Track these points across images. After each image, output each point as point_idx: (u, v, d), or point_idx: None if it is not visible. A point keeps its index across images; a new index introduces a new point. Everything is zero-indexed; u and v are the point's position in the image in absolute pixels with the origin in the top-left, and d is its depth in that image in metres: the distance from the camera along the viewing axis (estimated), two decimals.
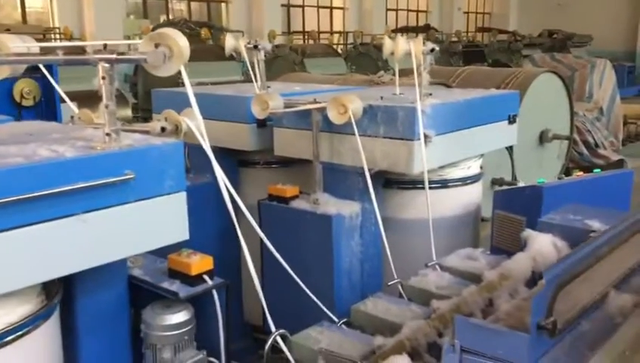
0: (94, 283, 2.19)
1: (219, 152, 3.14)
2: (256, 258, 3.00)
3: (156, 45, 2.08)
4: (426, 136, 3.22)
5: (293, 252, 2.95)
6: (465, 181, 3.77)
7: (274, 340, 2.55)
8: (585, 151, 8.99)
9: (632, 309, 2.15)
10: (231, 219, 2.49)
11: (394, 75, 3.94)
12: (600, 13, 26.52)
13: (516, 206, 3.37)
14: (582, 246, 1.99)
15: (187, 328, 2.29)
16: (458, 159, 3.67)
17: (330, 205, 3.36)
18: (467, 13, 29.87)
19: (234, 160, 4.01)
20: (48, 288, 2.06)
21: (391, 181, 3.61)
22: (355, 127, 3.24)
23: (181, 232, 2.20)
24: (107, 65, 2.00)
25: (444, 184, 3.67)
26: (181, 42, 2.08)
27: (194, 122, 2.40)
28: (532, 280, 2.51)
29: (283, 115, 3.57)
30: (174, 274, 2.40)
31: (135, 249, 2.16)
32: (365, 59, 14.61)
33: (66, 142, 2.06)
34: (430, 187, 3.40)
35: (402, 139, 3.23)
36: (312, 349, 2.50)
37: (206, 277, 2.37)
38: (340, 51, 17.08)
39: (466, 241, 3.67)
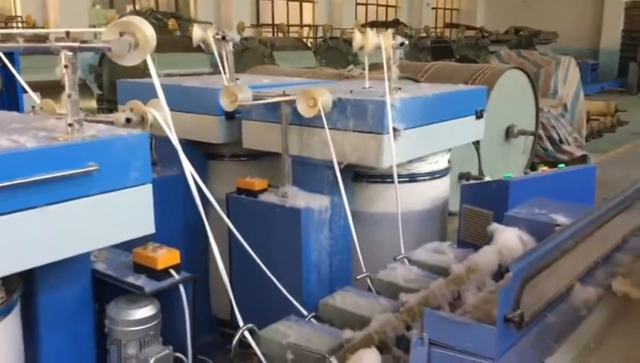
0: (56, 277, 2.14)
1: (187, 144, 3.10)
2: (224, 252, 2.97)
3: (121, 34, 2.03)
4: (395, 130, 3.22)
5: (261, 245, 2.92)
6: (433, 175, 3.79)
7: (242, 335, 2.53)
8: (549, 147, 9.14)
9: (596, 302, 2.18)
10: (199, 213, 2.46)
11: (364, 69, 3.93)
12: (565, 11, 27.00)
13: (483, 200, 3.40)
14: (548, 240, 2.01)
15: (152, 323, 2.26)
16: (426, 154, 3.68)
17: (299, 198, 3.35)
18: (436, 9, 30.13)
19: (202, 153, 3.96)
20: (7, 283, 2.00)
21: (360, 175, 3.61)
22: (324, 120, 3.23)
23: (146, 225, 2.16)
24: (69, 53, 1.95)
25: (412, 178, 3.68)
26: (147, 31, 2.03)
27: (161, 113, 2.35)
28: (499, 273, 2.54)
29: (252, 107, 3.53)
30: (139, 268, 2.36)
31: (98, 242, 2.11)
32: (334, 53, 14.60)
33: (27, 132, 2.00)
34: (399, 181, 3.41)
35: (371, 133, 3.23)
36: (280, 343, 2.48)
37: (172, 271, 2.33)
38: (309, 44, 17.03)
39: (434, 235, 3.70)
